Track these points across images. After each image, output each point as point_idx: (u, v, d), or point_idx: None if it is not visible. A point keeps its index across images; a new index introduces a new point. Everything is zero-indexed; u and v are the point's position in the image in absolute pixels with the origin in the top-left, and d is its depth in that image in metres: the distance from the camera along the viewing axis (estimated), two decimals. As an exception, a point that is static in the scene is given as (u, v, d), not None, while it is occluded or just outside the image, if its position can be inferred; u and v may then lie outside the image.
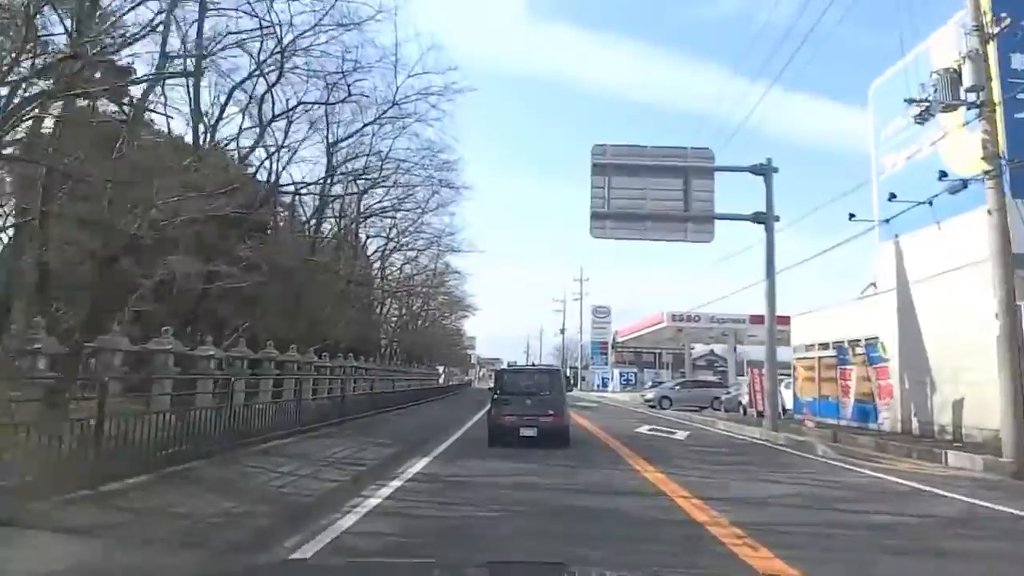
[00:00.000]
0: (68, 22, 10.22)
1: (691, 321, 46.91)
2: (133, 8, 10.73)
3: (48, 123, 11.34)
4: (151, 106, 12.55)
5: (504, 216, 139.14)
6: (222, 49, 13.61)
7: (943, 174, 14.33)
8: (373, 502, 7.10)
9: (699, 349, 65.31)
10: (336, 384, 19.69)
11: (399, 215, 29.52)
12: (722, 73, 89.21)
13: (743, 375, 42.81)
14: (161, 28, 11.18)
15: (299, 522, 5.93)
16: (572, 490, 8.37)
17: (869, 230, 18.47)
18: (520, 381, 14.94)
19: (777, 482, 9.50)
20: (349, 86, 19.57)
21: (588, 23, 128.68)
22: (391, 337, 37.83)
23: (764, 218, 18.00)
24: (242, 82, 17.74)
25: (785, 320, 22.75)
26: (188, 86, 14.35)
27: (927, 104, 12.91)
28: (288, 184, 21.64)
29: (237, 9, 14.77)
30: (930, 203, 15.50)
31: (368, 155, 24.05)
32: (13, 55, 8.85)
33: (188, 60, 13.95)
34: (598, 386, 66.11)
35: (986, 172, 12.48)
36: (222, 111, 17.56)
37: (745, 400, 25.37)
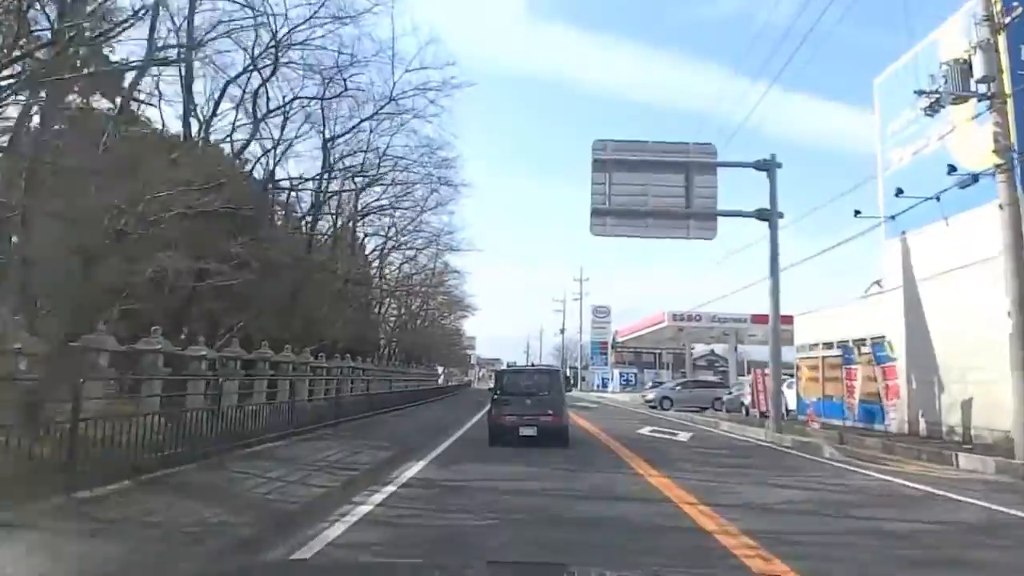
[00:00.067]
0: (52, 11, 9.88)
1: (692, 320, 46.58)
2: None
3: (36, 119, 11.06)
4: (140, 97, 12.22)
5: (504, 216, 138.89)
6: (213, 39, 13.32)
7: (952, 168, 13.98)
8: (364, 509, 6.77)
9: (699, 349, 65.01)
10: (332, 385, 19.39)
11: (397, 213, 29.25)
12: (722, 73, 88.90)
13: (744, 375, 42.59)
14: (149, 15, 10.84)
15: (283, 532, 5.60)
16: (573, 496, 8.03)
17: (875, 227, 18.14)
18: (520, 381, 15.12)
19: (785, 486, 9.15)
20: (345, 80, 19.28)
21: (588, 23, 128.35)
22: (390, 337, 37.49)
23: (768, 215, 17.64)
24: (236, 77, 17.42)
25: (788, 320, 22.41)
26: (181, 76, 14.03)
27: (937, 95, 12.59)
28: (284, 179, 21.35)
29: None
30: (938, 199, 15.16)
31: (366, 152, 23.76)
32: (4, 51, 8.56)
33: (180, 51, 13.64)
34: (598, 386, 65.77)
35: (997, 166, 12.16)
36: (216, 106, 17.23)
37: (747, 401, 25.03)
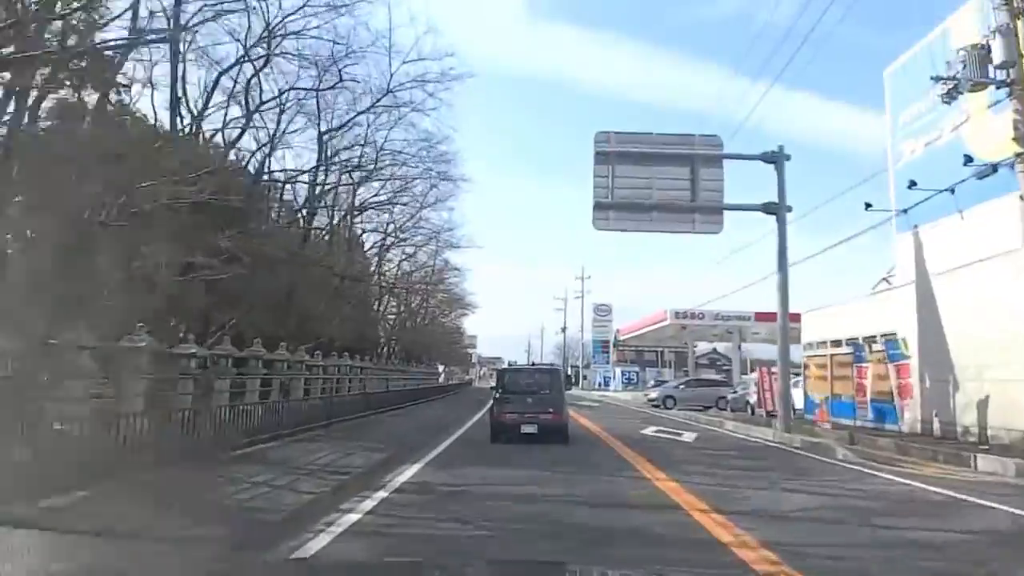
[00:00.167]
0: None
1: (695, 318, 46.12)
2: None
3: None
4: (126, 84, 11.75)
5: (505, 215, 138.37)
6: (200, 24, 12.83)
7: (968, 159, 13.50)
8: (352, 518, 6.28)
9: (701, 348, 64.51)
10: (329, 384, 18.93)
11: (396, 209, 28.79)
12: (723, 73, 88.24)
13: (747, 373, 42.10)
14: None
15: (259, 545, 5.12)
16: (575, 502, 7.53)
17: (886, 221, 17.66)
18: (521, 380, 15.31)
19: (800, 491, 8.66)
20: (341, 71, 18.79)
21: (588, 23, 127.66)
22: (389, 335, 37.01)
23: (776, 208, 17.13)
24: (228, 69, 16.96)
25: (795, 317, 21.86)
26: (173, 67, 13.57)
27: (955, 81, 12.09)
28: (278, 171, 20.88)
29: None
30: (952, 191, 14.69)
31: (363, 146, 23.30)
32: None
33: (172, 40, 13.16)
34: (600, 385, 65.23)
35: (1018, 155, 11.67)
36: (208, 98, 16.77)
37: (753, 400, 24.54)
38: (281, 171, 20.93)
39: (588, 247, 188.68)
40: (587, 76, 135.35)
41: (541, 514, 6.84)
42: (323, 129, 21.17)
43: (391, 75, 20.51)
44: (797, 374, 22.97)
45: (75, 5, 8.60)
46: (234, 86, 17.13)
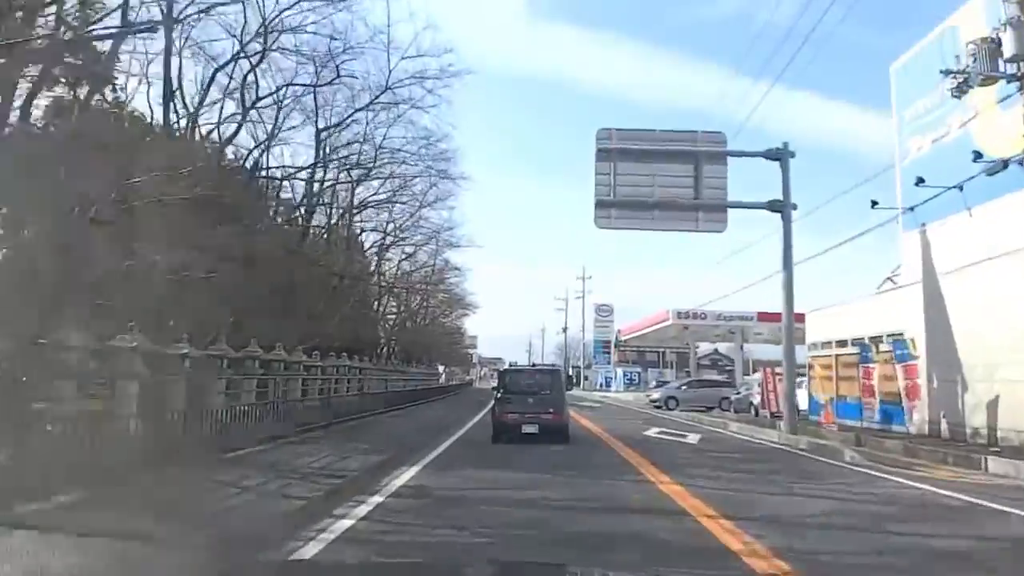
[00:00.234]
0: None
1: (697, 318, 45.78)
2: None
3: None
4: (120, 80, 11.53)
5: (505, 216, 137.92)
6: (193, 15, 12.63)
7: (978, 155, 13.22)
8: (344, 524, 6.03)
9: (703, 348, 64.19)
10: (327, 385, 18.71)
11: (396, 208, 28.57)
12: (723, 73, 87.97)
13: (749, 374, 41.79)
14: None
15: (239, 558, 4.85)
16: (577, 507, 7.28)
17: (892, 219, 17.38)
18: (522, 380, 15.36)
19: (810, 495, 8.39)
20: (338, 67, 18.56)
21: (588, 23, 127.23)
22: (389, 335, 36.77)
23: (780, 206, 16.86)
24: (224, 65, 16.76)
25: (799, 317, 21.59)
26: (165, 54, 13.34)
27: (965, 75, 11.81)
28: (276, 167, 20.64)
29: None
30: (960, 188, 14.40)
31: (362, 143, 23.05)
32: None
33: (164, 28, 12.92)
34: (601, 385, 64.96)
35: (1030, 150, 11.42)
36: (204, 95, 16.57)
37: (757, 401, 24.26)
38: (279, 168, 20.69)
39: (589, 247, 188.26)
40: (587, 76, 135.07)
41: (543, 521, 6.59)
42: (321, 126, 20.99)
43: (390, 71, 20.33)
44: (801, 375, 22.67)
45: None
46: (230, 82, 16.93)
